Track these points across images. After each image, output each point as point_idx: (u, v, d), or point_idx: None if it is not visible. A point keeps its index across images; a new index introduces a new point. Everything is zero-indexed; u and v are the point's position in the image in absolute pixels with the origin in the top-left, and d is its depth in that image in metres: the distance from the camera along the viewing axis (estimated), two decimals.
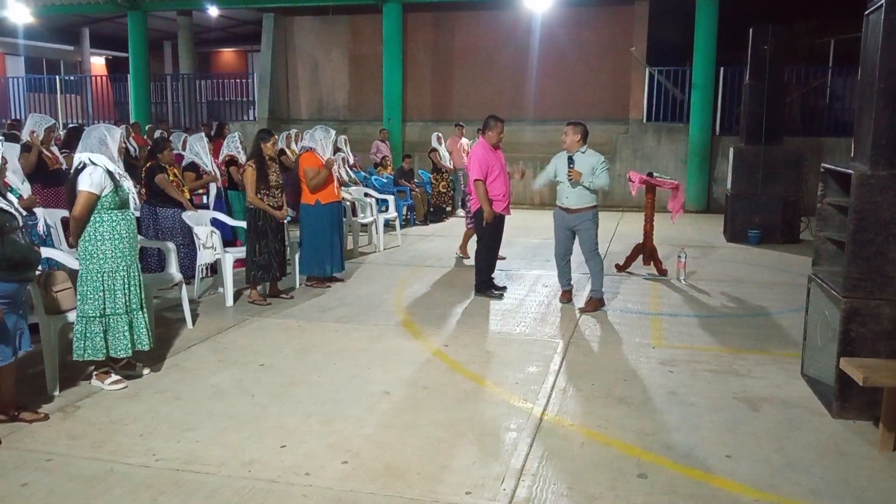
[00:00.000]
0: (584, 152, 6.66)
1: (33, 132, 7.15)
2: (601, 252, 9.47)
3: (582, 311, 6.66)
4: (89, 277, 4.49)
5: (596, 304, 6.70)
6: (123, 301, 4.56)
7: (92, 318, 4.48)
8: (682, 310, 6.75)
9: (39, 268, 4.55)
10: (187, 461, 3.68)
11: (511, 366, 5.18)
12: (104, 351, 4.54)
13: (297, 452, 3.78)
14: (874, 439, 3.96)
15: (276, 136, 7.23)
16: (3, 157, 4.32)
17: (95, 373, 4.67)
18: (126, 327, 4.57)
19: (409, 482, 3.48)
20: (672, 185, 8.40)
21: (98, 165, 4.45)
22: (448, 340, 5.75)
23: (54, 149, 7.52)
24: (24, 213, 4.39)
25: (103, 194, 4.45)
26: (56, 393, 4.53)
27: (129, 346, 4.59)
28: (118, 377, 4.69)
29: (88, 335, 4.49)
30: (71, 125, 13.31)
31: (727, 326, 6.21)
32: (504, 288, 7.43)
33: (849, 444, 3.96)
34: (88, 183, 4.40)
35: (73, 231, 4.49)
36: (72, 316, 4.64)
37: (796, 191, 10.67)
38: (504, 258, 8.72)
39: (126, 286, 4.57)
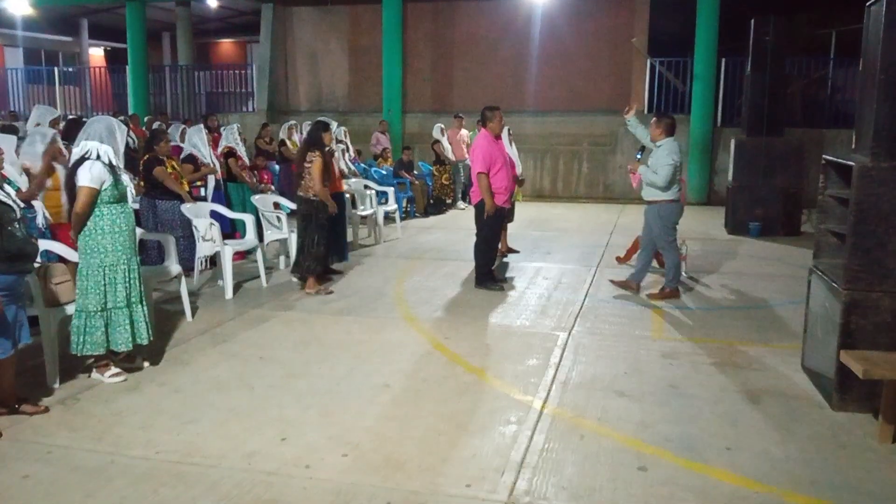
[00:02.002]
0: (658, 146, 6.68)
1: (38, 125, 7.10)
2: (604, 243, 9.51)
3: (650, 296, 6.83)
4: (90, 272, 4.48)
5: (666, 294, 6.79)
6: (125, 294, 4.56)
7: (93, 313, 4.48)
8: (683, 302, 6.75)
9: (38, 260, 4.55)
10: (187, 453, 3.69)
11: (511, 358, 5.18)
12: (105, 345, 4.54)
13: (297, 444, 3.78)
14: (874, 431, 3.97)
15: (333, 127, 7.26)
16: None
17: (95, 365, 4.67)
18: (127, 321, 4.58)
19: (409, 474, 3.48)
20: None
21: (101, 157, 4.43)
22: (448, 333, 5.74)
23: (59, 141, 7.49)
24: (22, 205, 4.38)
25: (103, 188, 4.44)
26: (56, 385, 4.54)
27: (130, 339, 4.60)
28: (118, 370, 4.70)
29: (89, 330, 4.48)
30: (70, 117, 13.28)
31: (728, 318, 6.21)
32: (504, 280, 7.43)
33: (849, 436, 3.97)
34: (88, 178, 4.38)
35: (75, 226, 4.48)
36: (71, 308, 4.64)
37: (797, 183, 10.64)
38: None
39: (126, 279, 4.58)
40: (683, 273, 7.80)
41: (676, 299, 6.78)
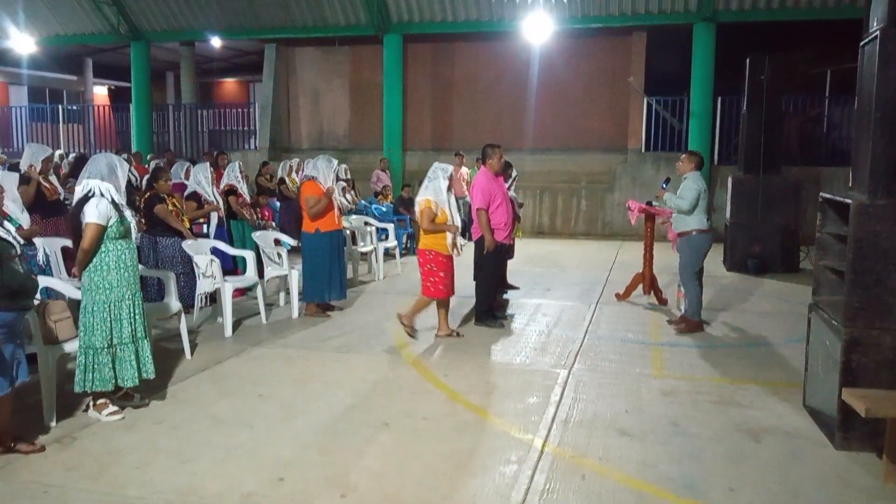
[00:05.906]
0: (684, 178, 6.93)
1: (31, 165, 7.15)
2: (603, 280, 9.51)
3: (671, 322, 7.09)
4: (96, 308, 4.47)
5: (688, 325, 6.87)
6: (129, 330, 4.56)
7: (100, 350, 4.47)
8: (683, 339, 6.72)
9: (38, 297, 4.54)
10: (184, 493, 3.64)
11: (511, 396, 5.15)
12: (113, 381, 4.52)
13: (295, 485, 3.74)
14: (877, 470, 3.93)
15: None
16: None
17: (93, 403, 4.64)
18: (133, 357, 4.57)
19: None
20: (671, 214, 8.39)
21: (104, 195, 4.47)
22: (448, 370, 5.71)
23: (53, 179, 7.53)
24: (23, 241, 4.39)
25: (109, 225, 4.47)
26: (53, 424, 4.50)
27: (136, 375, 4.59)
28: (115, 408, 4.66)
29: (97, 366, 4.47)
30: (75, 154, 13.39)
31: (728, 356, 6.18)
32: (504, 317, 7.41)
33: (852, 475, 3.93)
34: (96, 215, 4.41)
35: (81, 263, 4.48)
36: (69, 346, 4.62)
37: (795, 220, 10.68)
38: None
39: (131, 315, 4.58)
40: (682, 310, 7.78)
41: (701, 331, 6.87)
